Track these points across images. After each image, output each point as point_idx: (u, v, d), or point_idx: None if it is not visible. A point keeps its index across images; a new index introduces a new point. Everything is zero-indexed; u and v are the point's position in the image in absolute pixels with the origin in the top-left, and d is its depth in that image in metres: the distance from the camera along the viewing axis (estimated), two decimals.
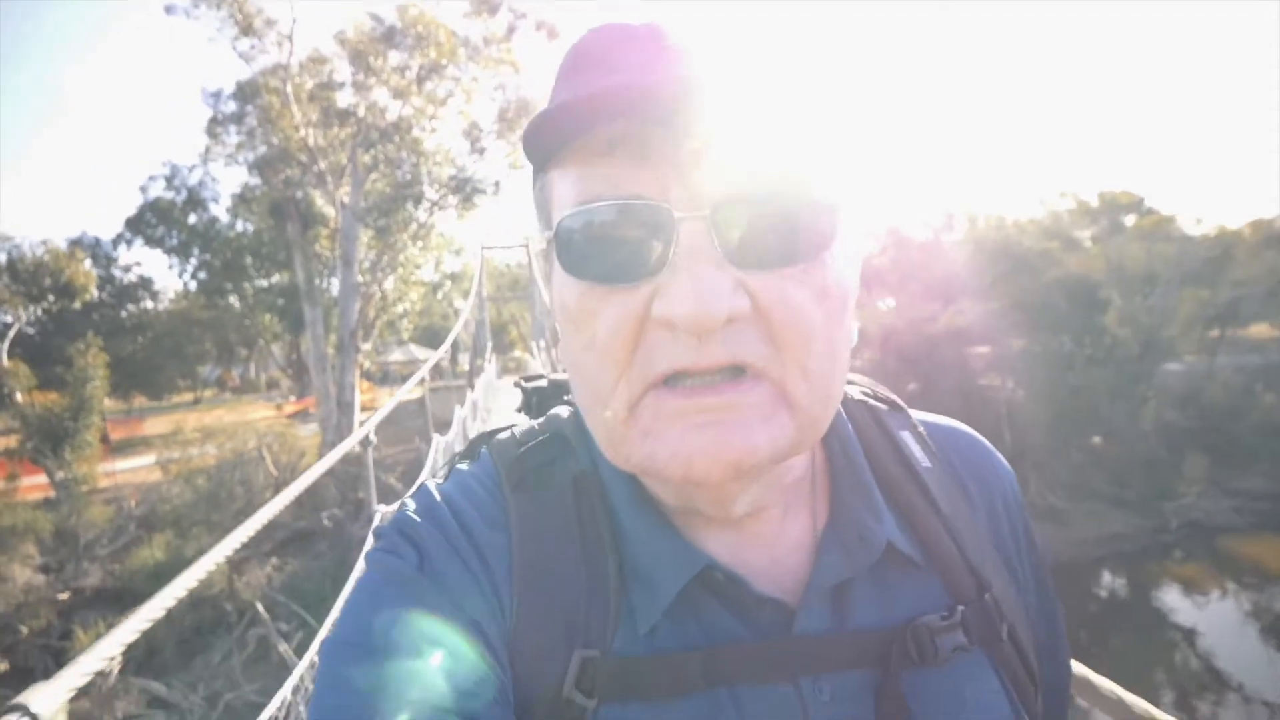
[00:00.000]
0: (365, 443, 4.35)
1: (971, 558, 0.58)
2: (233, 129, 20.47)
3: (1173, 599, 14.96)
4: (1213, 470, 19.39)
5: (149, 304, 28.84)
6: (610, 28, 0.48)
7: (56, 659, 11.36)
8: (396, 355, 34.16)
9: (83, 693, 7.28)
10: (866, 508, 0.56)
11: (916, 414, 0.67)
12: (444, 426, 8.93)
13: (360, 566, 3.43)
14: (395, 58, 17.28)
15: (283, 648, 11.00)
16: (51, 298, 20.69)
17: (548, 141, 0.46)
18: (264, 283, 32.40)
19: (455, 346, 34.39)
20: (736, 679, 0.50)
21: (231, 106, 20.01)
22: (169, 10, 18.00)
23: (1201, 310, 20.85)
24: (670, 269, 0.43)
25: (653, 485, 0.55)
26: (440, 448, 6.57)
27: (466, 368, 19.14)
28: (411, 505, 0.56)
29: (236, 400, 34.12)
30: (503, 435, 0.63)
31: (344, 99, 17.86)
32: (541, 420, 0.64)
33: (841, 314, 0.48)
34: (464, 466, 0.61)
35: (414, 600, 0.49)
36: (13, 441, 15.62)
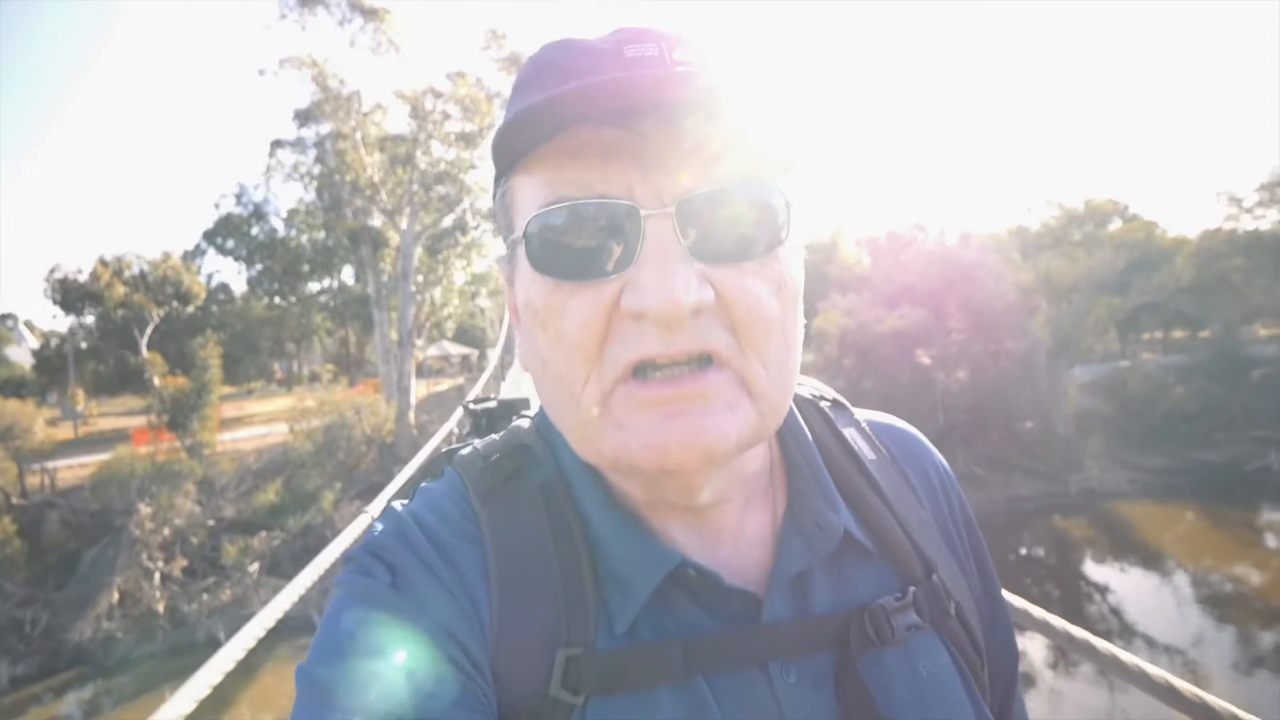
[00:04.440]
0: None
1: (918, 542, 0.62)
2: (290, 150, 25.13)
3: (1047, 542, 19.24)
4: (1118, 448, 23.43)
5: (227, 306, 33.68)
6: (569, 41, 0.51)
7: (211, 565, 15.99)
8: (432, 351, 38.13)
9: (234, 585, 13.07)
10: (823, 499, 0.59)
11: (858, 411, 0.72)
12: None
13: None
14: (442, 116, 21.83)
15: None
16: (174, 303, 25.63)
17: (516, 147, 0.48)
18: (316, 286, 37.30)
19: (484, 344, 38.90)
20: (712, 668, 0.52)
21: (300, 136, 24.66)
22: (261, 73, 22.68)
23: (1112, 315, 24.65)
24: (638, 264, 0.45)
25: (620, 480, 0.56)
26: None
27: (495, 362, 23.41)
28: (380, 527, 0.57)
29: (286, 391, 38.24)
30: (465, 452, 0.64)
31: (403, 146, 22.36)
32: (503, 434, 0.65)
33: (795, 307, 0.51)
34: (428, 485, 0.62)
35: (389, 618, 0.49)
36: (154, 416, 20.27)
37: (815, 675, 0.54)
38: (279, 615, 2.07)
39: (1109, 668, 1.41)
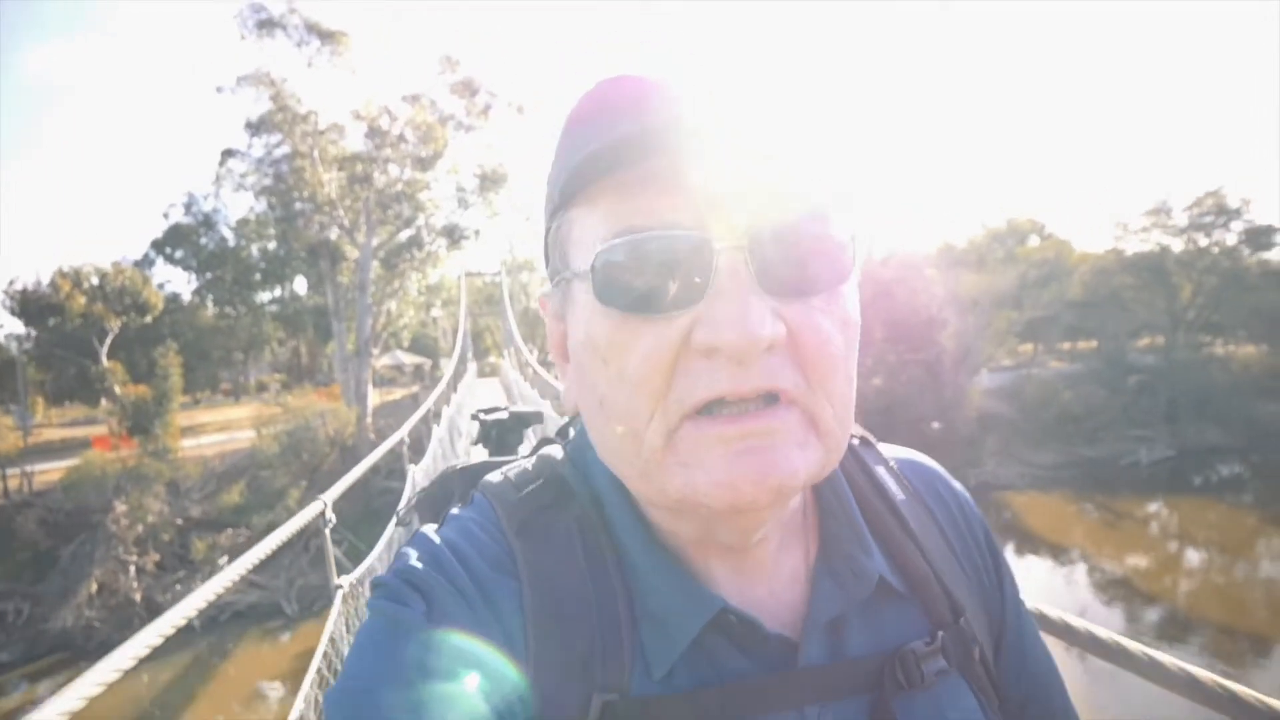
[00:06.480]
0: (322, 520, 3.60)
1: (947, 583, 0.60)
2: (241, 160, 25.86)
3: None
4: (1014, 446, 26.21)
5: (177, 316, 34.20)
6: (623, 79, 0.49)
7: (181, 560, 17.11)
8: (385, 360, 38.76)
9: (204, 577, 15.17)
10: (856, 542, 0.58)
11: (884, 447, 0.70)
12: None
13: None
14: (398, 138, 23.31)
15: (334, 552, 16.82)
16: (132, 314, 26.35)
17: (578, 182, 0.47)
18: (266, 295, 37.99)
19: (436, 354, 40.00)
20: (748, 713, 0.51)
21: (252, 145, 25.39)
22: (219, 90, 23.72)
23: (1010, 327, 27.53)
24: (709, 298, 0.44)
25: (668, 520, 0.55)
26: (416, 477, 6.59)
27: (445, 373, 24.76)
28: (413, 553, 0.55)
29: (234, 401, 38.18)
30: (496, 478, 0.62)
31: (360, 164, 23.69)
32: (534, 461, 0.63)
33: (855, 344, 0.50)
34: (457, 511, 0.61)
35: (423, 648, 0.48)
36: (114, 423, 21.14)
37: (848, 719, 0.54)
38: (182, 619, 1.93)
39: (1145, 672, 1.23)
